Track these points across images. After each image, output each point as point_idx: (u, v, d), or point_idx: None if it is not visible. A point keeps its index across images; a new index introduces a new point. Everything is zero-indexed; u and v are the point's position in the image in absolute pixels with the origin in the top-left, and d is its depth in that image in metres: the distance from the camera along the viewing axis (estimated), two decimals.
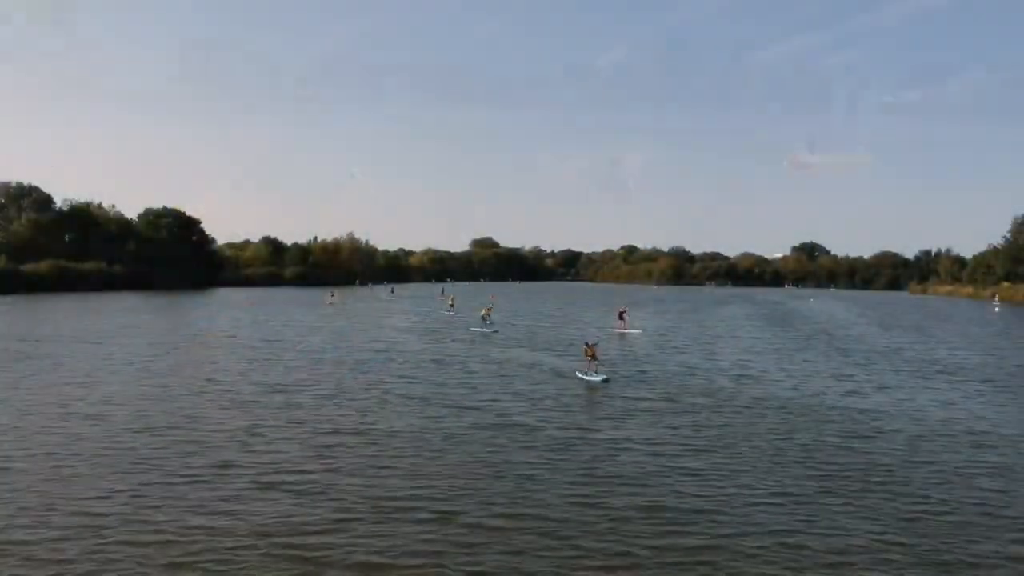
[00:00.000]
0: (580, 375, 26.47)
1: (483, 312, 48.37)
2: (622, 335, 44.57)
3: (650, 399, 22.30)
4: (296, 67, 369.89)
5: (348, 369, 27.78)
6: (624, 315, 48.44)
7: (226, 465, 14.48)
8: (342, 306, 71.55)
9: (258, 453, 15.39)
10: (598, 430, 18.06)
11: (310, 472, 14.11)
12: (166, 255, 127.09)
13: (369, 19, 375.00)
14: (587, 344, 27.45)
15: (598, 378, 25.64)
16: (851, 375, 28.16)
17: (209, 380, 24.54)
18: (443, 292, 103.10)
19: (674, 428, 18.30)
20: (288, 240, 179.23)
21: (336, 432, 17.32)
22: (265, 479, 13.60)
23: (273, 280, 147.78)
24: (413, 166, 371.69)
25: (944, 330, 53.54)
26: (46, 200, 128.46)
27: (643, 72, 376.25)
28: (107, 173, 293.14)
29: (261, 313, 60.19)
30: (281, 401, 21.01)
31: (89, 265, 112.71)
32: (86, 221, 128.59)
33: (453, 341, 38.93)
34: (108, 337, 37.85)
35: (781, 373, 28.19)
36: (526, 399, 22.03)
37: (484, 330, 44.66)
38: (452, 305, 66.23)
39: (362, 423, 18.31)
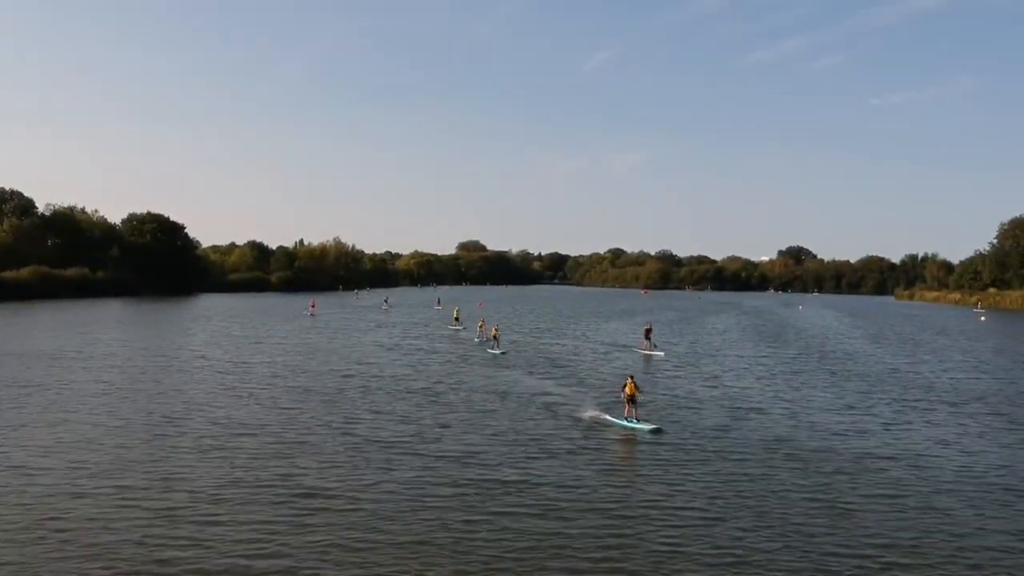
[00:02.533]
0: (610, 418, 23.08)
1: (492, 332, 44.58)
2: (648, 357, 41.44)
3: (669, 445, 20.86)
4: (287, 69, 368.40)
5: (321, 402, 26.01)
6: (651, 333, 44.75)
7: (168, 550, 12.71)
8: (324, 317, 70.02)
9: (206, 520, 13.94)
10: (610, 489, 16.64)
11: (261, 553, 12.64)
12: (150, 261, 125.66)
13: (361, 23, 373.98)
14: (631, 378, 23.24)
15: (645, 427, 21.97)
16: (859, 407, 27.04)
17: (167, 420, 22.72)
18: (439, 302, 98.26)
19: (693, 488, 16.92)
20: (274, 244, 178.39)
21: (296, 496, 15.44)
22: (216, 564, 12.16)
23: (259, 285, 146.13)
24: (401, 168, 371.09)
25: (941, 345, 52.93)
26: (28, 205, 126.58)
27: (632, 75, 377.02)
28: (92, 177, 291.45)
29: (239, 326, 58.64)
30: (241, 451, 19.06)
31: (72, 272, 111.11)
32: (69, 227, 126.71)
33: (445, 364, 37.43)
34: (75, 358, 36.39)
35: (787, 406, 26.97)
36: (534, 449, 19.88)
37: (493, 352, 41.62)
38: (457, 319, 60.82)
39: (328, 481, 16.51)
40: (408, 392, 28.46)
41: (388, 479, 16.80)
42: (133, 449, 19.16)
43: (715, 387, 31.01)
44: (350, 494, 15.67)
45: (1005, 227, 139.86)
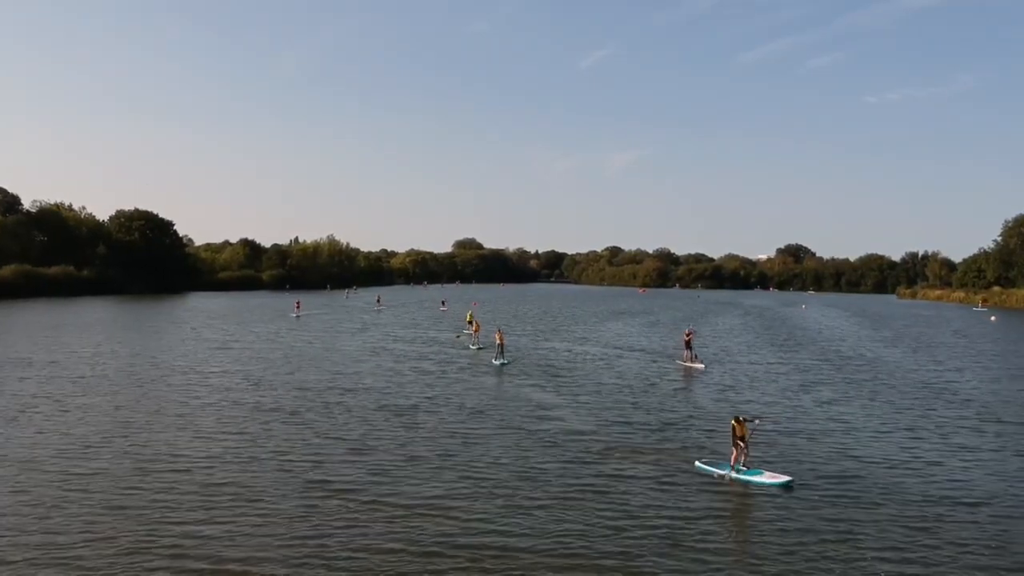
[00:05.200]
0: (707, 467, 17.89)
1: (497, 338, 38.80)
2: (688, 369, 36.36)
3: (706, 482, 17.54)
4: (280, 68, 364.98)
5: (274, 424, 22.21)
6: (691, 341, 38.99)
7: None
8: (309, 318, 66.44)
9: None
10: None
11: None
12: (137, 259, 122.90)
13: (358, 20, 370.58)
14: (740, 420, 17.98)
15: (770, 480, 16.79)
16: (907, 428, 23.50)
17: (83, 452, 18.93)
18: (445, 303, 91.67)
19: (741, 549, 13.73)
20: (270, 242, 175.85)
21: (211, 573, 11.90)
22: None
23: (250, 284, 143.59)
24: (398, 166, 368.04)
25: (964, 350, 49.43)
26: (13, 202, 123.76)
27: (629, 73, 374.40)
28: (84, 176, 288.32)
29: (214, 328, 55.25)
30: (154, 497, 15.25)
31: (55, 270, 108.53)
32: (55, 224, 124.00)
33: (437, 374, 33.62)
34: (17, 365, 33.13)
35: (827, 427, 23.38)
36: (556, 504, 15.09)
37: (496, 361, 36.66)
38: (471, 322, 49.97)
39: (254, 547, 12.79)
40: (382, 411, 24.54)
41: (340, 547, 12.90)
42: (24, 496, 15.34)
43: (738, 403, 27.73)
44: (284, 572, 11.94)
45: (1010, 224, 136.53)
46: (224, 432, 21.21)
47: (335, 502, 15.11)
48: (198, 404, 25.43)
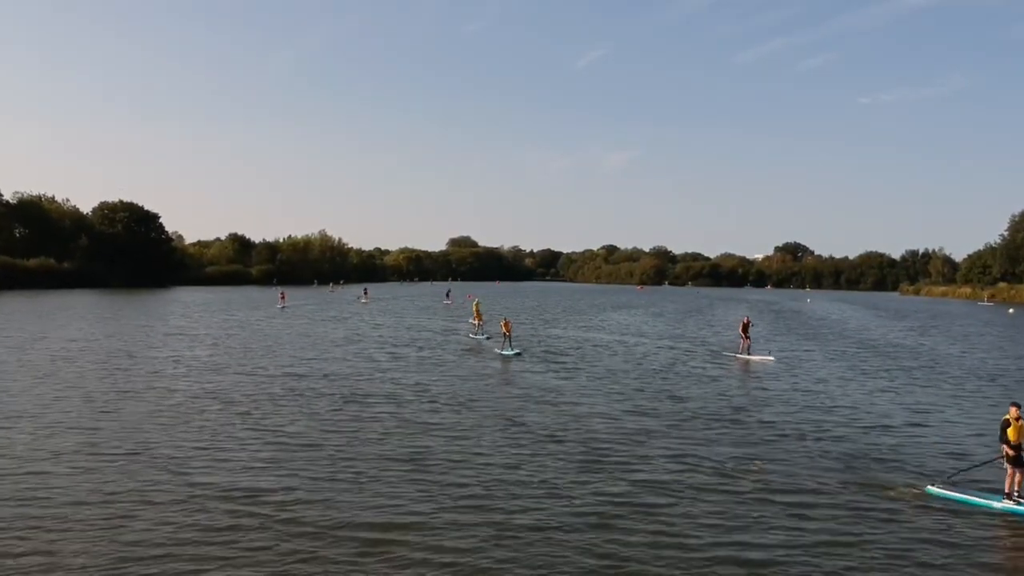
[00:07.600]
0: (955, 495, 12.36)
1: (503, 327, 33.30)
2: (747, 362, 31.27)
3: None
4: (277, 67, 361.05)
5: (216, 416, 18.28)
6: (748, 329, 33.48)
7: None
8: (291, 309, 62.86)
9: None
10: None
11: None
12: (121, 252, 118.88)
13: (352, 20, 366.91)
14: (1018, 410, 11.81)
15: None
16: None
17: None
18: (449, 295, 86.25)
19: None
20: (260, 238, 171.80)
21: None
22: None
23: (239, 278, 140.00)
24: (393, 165, 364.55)
25: (1005, 340, 45.99)
26: None
27: (624, 72, 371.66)
28: (85, 174, 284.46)
29: (188, 317, 51.66)
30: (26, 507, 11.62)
31: (34, 262, 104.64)
32: (37, 215, 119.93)
33: (432, 363, 29.78)
34: None
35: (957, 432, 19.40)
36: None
37: (504, 352, 31.96)
38: (477, 312, 42.26)
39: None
40: (348, 400, 20.23)
41: None
42: None
43: (814, 392, 23.75)
44: None
45: (1016, 219, 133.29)
46: (142, 425, 16.90)
47: (281, 518, 10.99)
48: (128, 392, 21.34)
